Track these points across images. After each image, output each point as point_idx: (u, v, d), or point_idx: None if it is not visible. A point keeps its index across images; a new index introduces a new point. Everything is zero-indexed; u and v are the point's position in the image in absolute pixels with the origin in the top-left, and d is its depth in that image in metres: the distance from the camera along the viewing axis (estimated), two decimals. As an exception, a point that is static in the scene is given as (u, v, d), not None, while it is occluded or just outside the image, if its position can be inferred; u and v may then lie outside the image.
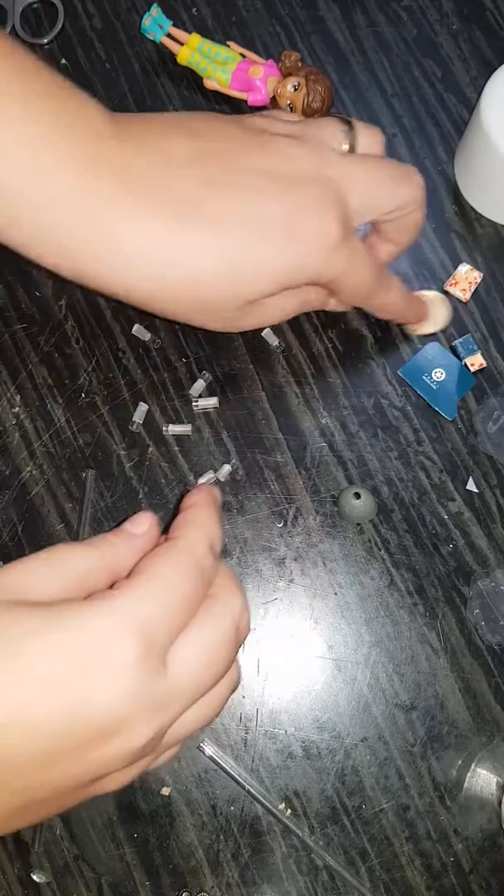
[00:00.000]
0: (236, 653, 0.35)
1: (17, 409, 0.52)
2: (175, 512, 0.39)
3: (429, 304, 0.52)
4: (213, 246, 0.39)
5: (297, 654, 0.50)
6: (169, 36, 0.56)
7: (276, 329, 0.53)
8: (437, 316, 0.52)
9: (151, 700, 0.31)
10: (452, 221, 0.55)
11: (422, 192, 0.45)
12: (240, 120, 0.43)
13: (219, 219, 0.39)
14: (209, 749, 0.48)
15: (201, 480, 0.51)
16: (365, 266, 0.43)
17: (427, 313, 0.52)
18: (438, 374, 0.52)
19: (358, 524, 0.51)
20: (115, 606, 0.31)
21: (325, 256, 0.41)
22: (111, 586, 0.33)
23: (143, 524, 0.36)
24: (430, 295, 0.53)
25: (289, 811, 0.48)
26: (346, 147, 0.44)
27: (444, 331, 0.53)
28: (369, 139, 0.45)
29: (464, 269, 0.53)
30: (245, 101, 0.56)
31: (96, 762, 0.31)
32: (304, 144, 0.42)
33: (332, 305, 0.50)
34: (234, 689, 0.37)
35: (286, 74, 0.54)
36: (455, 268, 0.54)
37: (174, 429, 0.52)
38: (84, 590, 0.34)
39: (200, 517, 0.37)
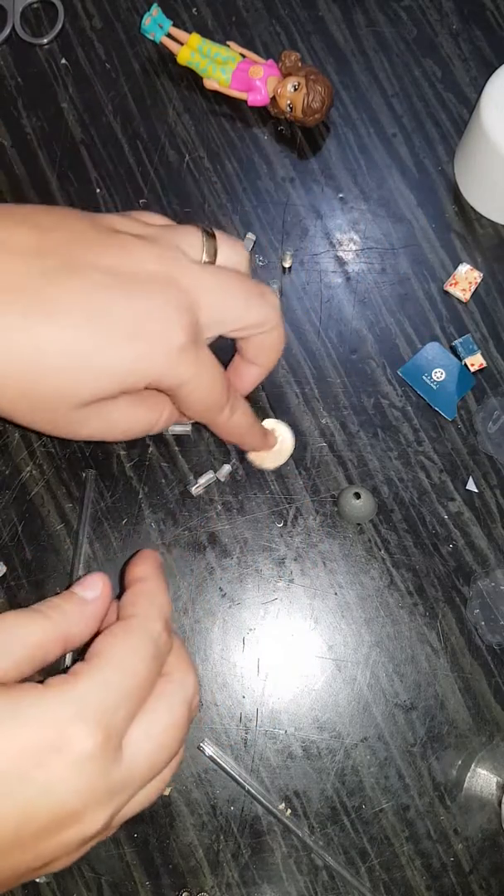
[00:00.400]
0: (188, 731, 0.36)
1: (17, 409, 0.52)
2: (122, 578, 0.39)
3: (275, 436, 0.51)
4: (57, 338, 0.36)
5: (297, 654, 0.50)
6: (169, 36, 0.56)
7: (276, 329, 0.53)
8: (282, 451, 0.51)
9: (108, 788, 0.31)
10: (452, 221, 0.55)
11: (276, 314, 0.43)
12: (91, 216, 0.40)
13: (63, 311, 0.36)
14: (209, 749, 0.48)
15: (201, 480, 0.51)
16: (211, 379, 0.41)
17: (271, 445, 0.50)
18: (438, 374, 0.52)
19: (358, 524, 0.51)
20: (74, 695, 0.31)
21: (169, 361, 0.38)
22: (64, 663, 0.33)
23: (95, 588, 0.36)
24: (280, 428, 0.51)
25: (289, 811, 0.48)
26: (204, 258, 0.42)
27: (283, 465, 0.52)
28: (230, 251, 0.43)
29: (464, 269, 0.53)
30: (245, 101, 0.56)
31: (50, 850, 0.31)
32: (155, 246, 0.39)
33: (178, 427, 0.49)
34: (178, 766, 0.37)
35: (286, 74, 0.54)
36: (455, 268, 0.54)
37: (174, 429, 0.52)
38: (36, 661, 0.33)
39: (151, 591, 0.37)
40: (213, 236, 0.43)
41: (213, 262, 0.42)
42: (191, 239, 0.42)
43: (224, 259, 0.43)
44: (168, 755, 0.34)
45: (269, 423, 0.51)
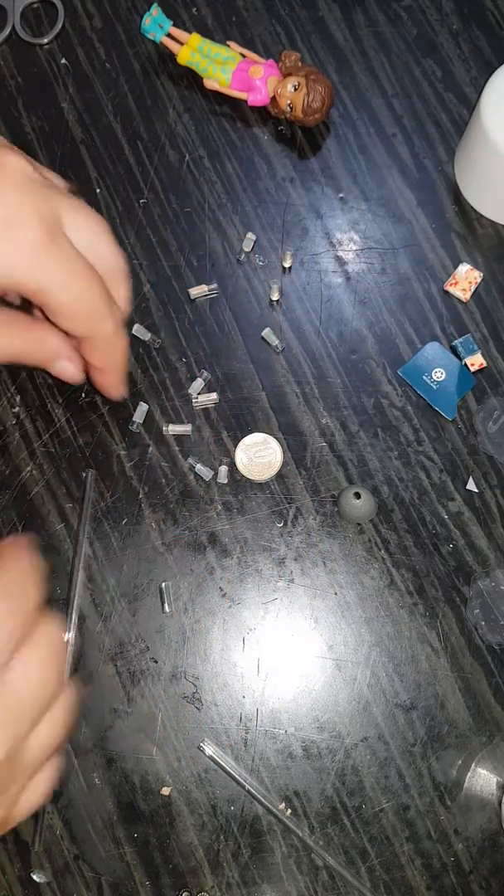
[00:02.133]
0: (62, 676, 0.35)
1: (17, 409, 0.52)
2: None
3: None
4: None
5: (297, 654, 0.50)
6: (169, 36, 0.56)
7: (276, 329, 0.53)
8: (272, 464, 0.51)
9: None
10: (452, 221, 0.55)
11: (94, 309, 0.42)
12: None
13: None
14: (209, 749, 0.48)
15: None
16: (80, 281, 0.40)
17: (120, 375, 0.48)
18: (438, 374, 0.52)
19: (358, 524, 0.51)
20: None
21: (20, 258, 0.38)
22: None
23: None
24: (270, 442, 0.51)
25: (289, 811, 0.48)
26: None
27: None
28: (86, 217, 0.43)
29: (464, 269, 0.53)
30: (245, 101, 0.56)
31: None
32: (18, 154, 0.40)
33: (58, 367, 0.46)
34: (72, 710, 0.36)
35: (286, 74, 0.54)
36: (455, 268, 0.54)
37: (174, 429, 0.52)
38: None
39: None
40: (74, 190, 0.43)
41: None
42: (79, 214, 0.41)
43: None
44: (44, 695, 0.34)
45: (259, 437, 0.51)
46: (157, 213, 0.55)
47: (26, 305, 0.44)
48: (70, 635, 0.49)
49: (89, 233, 0.41)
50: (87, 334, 0.43)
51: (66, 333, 0.43)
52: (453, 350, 0.53)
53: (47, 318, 0.43)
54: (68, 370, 0.46)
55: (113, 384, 0.47)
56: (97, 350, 0.44)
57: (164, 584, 0.50)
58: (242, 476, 0.51)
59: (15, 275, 0.38)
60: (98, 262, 0.41)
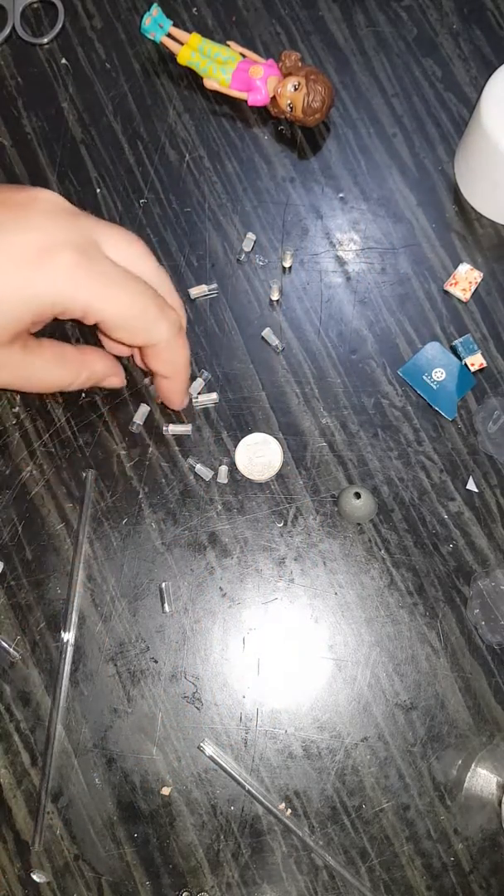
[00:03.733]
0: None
1: (17, 409, 0.52)
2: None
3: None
4: None
5: (297, 654, 0.50)
6: (169, 36, 0.56)
7: (276, 329, 0.53)
8: (272, 464, 0.51)
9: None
10: (452, 221, 0.55)
11: (164, 324, 0.44)
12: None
13: None
14: (209, 749, 0.48)
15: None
16: (124, 292, 0.42)
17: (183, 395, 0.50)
18: (438, 374, 0.52)
19: (358, 524, 0.51)
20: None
21: (58, 282, 0.39)
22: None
23: None
24: (270, 443, 0.51)
25: (289, 811, 0.48)
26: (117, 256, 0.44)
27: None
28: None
29: (464, 268, 0.53)
30: (245, 101, 0.56)
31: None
32: (73, 215, 0.42)
33: (107, 384, 0.50)
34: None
35: (286, 74, 0.54)
36: (455, 268, 0.54)
37: (174, 429, 0.52)
38: None
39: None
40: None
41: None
42: (115, 236, 0.43)
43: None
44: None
45: (259, 437, 0.51)
46: (157, 213, 0.55)
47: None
48: (70, 635, 0.49)
49: (129, 252, 0.43)
50: (144, 343, 0.44)
51: (128, 345, 0.46)
52: (453, 350, 0.53)
53: (105, 335, 0.45)
54: (115, 383, 0.50)
55: (178, 392, 0.49)
56: (160, 357, 0.45)
57: (164, 584, 0.50)
58: (242, 476, 0.51)
59: (58, 298, 0.40)
60: (141, 277, 0.43)
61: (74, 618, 0.50)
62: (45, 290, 0.39)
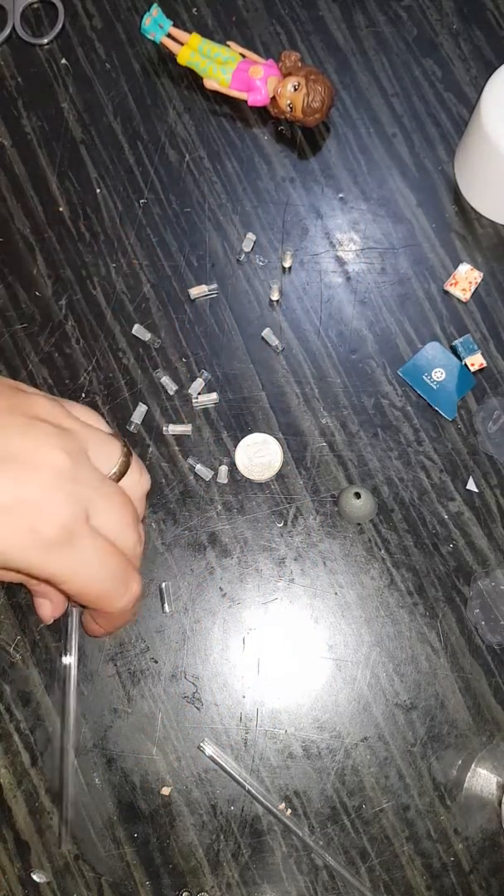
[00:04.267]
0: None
1: (17, 408, 0.52)
2: None
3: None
4: None
5: (297, 654, 0.50)
6: (169, 36, 0.56)
7: (276, 329, 0.53)
8: (272, 465, 0.50)
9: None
10: (452, 221, 0.55)
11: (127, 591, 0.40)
12: (18, 398, 0.38)
13: None
14: (209, 749, 0.48)
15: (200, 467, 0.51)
16: (95, 573, 0.38)
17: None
18: (438, 374, 0.52)
19: (358, 524, 0.51)
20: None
21: (30, 552, 0.36)
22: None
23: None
24: (270, 443, 0.51)
25: (289, 811, 0.48)
26: (113, 472, 0.40)
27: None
28: (138, 477, 0.41)
29: (464, 269, 0.54)
30: (245, 101, 0.56)
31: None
32: (61, 438, 0.37)
33: (38, 602, 0.45)
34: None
35: (286, 74, 0.54)
36: (455, 268, 0.54)
37: (174, 429, 0.52)
38: None
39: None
40: (129, 455, 0.41)
41: (117, 480, 0.40)
42: (107, 449, 0.40)
43: (128, 482, 0.41)
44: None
45: (259, 437, 0.52)
46: (157, 213, 0.55)
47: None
48: (72, 658, 0.49)
49: (117, 522, 0.39)
50: (95, 608, 0.41)
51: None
52: (453, 350, 0.53)
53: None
54: (45, 611, 0.45)
55: (97, 634, 0.45)
56: (101, 616, 0.43)
57: (164, 584, 0.50)
58: (242, 476, 0.51)
59: (23, 564, 0.37)
60: (119, 544, 0.40)
61: (75, 618, 0.49)
62: (15, 551, 0.36)
